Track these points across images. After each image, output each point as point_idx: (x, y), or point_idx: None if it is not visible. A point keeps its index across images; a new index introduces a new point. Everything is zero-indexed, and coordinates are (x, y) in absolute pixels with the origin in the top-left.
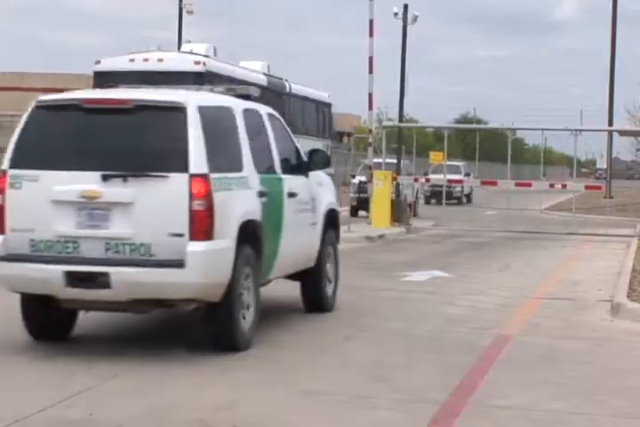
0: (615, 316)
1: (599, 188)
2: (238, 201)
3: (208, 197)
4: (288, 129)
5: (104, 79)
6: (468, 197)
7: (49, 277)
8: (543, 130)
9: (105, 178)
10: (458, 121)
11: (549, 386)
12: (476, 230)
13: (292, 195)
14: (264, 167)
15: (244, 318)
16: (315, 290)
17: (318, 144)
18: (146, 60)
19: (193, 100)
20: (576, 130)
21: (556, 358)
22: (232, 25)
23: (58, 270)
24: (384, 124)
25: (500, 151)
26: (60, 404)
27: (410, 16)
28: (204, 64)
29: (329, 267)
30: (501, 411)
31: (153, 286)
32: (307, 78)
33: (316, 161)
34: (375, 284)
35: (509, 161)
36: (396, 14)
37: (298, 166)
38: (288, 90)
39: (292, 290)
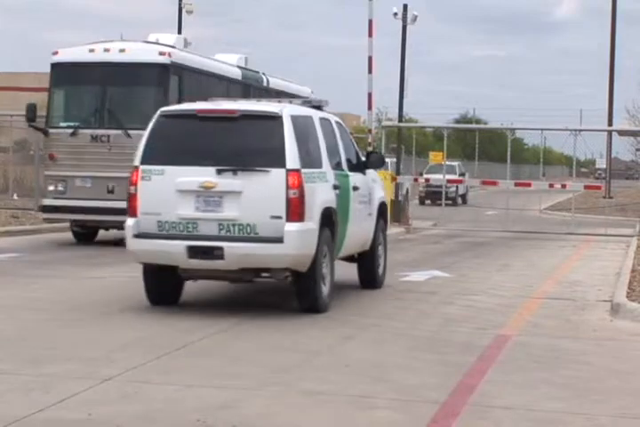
0: (615, 316)
1: (598, 188)
2: (320, 192)
3: (300, 188)
4: (349, 134)
5: (62, 71)
6: (464, 197)
7: (174, 250)
8: (542, 130)
9: (219, 172)
10: (457, 121)
11: (549, 386)
12: (476, 230)
13: (355, 188)
14: (335, 165)
15: (323, 285)
16: (369, 270)
17: None
18: (107, 50)
19: (286, 110)
20: (575, 130)
21: (555, 357)
22: (231, 25)
23: (181, 245)
24: (383, 124)
25: (500, 151)
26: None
27: (409, 16)
28: (170, 55)
29: (380, 250)
30: (501, 411)
31: (258, 258)
32: (306, 78)
33: (372, 161)
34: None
35: (509, 161)
36: (395, 14)
37: (358, 165)
38: (265, 84)
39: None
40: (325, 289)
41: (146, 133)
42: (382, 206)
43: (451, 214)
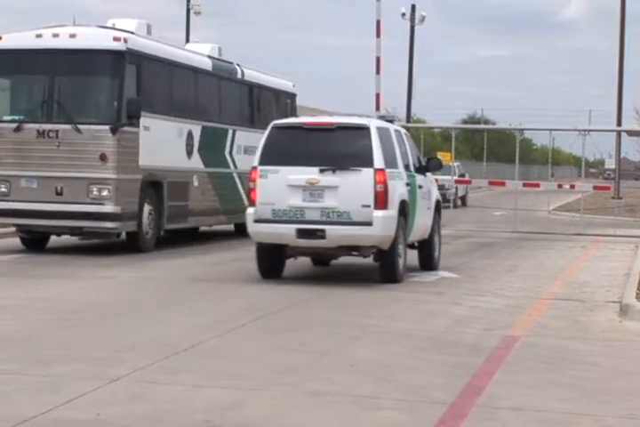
0: (624, 317)
1: (608, 188)
2: (397, 187)
3: (385, 183)
4: (412, 142)
5: (6, 58)
6: (463, 199)
7: (286, 232)
8: (551, 130)
9: (321, 171)
10: (465, 121)
11: (557, 387)
12: (484, 231)
13: (420, 186)
14: (405, 167)
15: (400, 262)
16: (428, 255)
17: None
18: (56, 35)
19: (372, 123)
20: (584, 130)
21: (563, 358)
22: (238, 25)
23: (292, 228)
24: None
25: (508, 151)
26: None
27: (417, 16)
28: (125, 41)
29: (436, 239)
30: (509, 412)
31: (352, 238)
32: (312, 78)
33: (432, 165)
34: (382, 284)
35: (517, 161)
36: (403, 15)
37: (420, 168)
38: (240, 76)
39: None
40: (401, 264)
41: (262, 141)
42: (438, 203)
43: (458, 215)
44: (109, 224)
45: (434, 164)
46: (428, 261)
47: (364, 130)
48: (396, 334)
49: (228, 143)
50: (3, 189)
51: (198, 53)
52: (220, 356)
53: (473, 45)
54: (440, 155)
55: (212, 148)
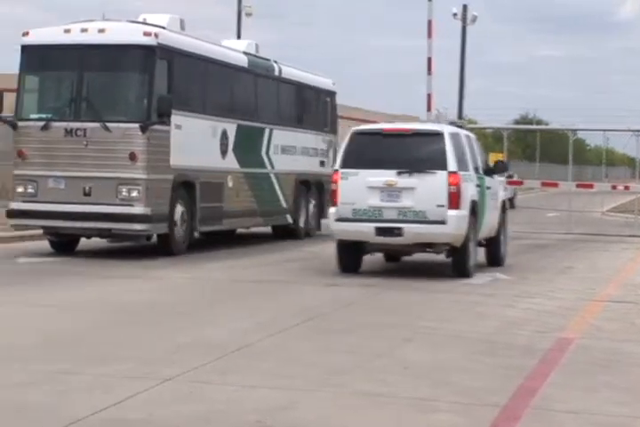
0: None
1: None
2: (469, 188)
3: (458, 185)
4: (480, 146)
5: (34, 55)
6: (511, 201)
7: (365, 230)
8: (604, 131)
9: (399, 173)
10: (517, 122)
11: (612, 390)
12: (537, 232)
13: (488, 188)
14: (475, 169)
15: (470, 258)
16: (495, 252)
17: (318, 140)
18: (84, 30)
19: (446, 129)
20: (638, 130)
21: (618, 361)
22: (290, 27)
23: (371, 226)
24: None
25: (561, 152)
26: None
27: (469, 16)
28: (156, 36)
29: (502, 237)
30: (563, 415)
31: (427, 235)
32: (361, 79)
33: (498, 168)
34: (434, 286)
35: (570, 162)
36: (455, 15)
37: (488, 170)
38: (277, 73)
39: None
40: (472, 260)
41: (343, 146)
42: (504, 203)
43: (511, 216)
44: (139, 226)
45: (500, 166)
46: (495, 258)
47: (438, 135)
48: (448, 335)
49: (265, 143)
50: (30, 190)
51: (234, 50)
52: (270, 357)
53: (525, 45)
54: (492, 155)
55: (247, 147)
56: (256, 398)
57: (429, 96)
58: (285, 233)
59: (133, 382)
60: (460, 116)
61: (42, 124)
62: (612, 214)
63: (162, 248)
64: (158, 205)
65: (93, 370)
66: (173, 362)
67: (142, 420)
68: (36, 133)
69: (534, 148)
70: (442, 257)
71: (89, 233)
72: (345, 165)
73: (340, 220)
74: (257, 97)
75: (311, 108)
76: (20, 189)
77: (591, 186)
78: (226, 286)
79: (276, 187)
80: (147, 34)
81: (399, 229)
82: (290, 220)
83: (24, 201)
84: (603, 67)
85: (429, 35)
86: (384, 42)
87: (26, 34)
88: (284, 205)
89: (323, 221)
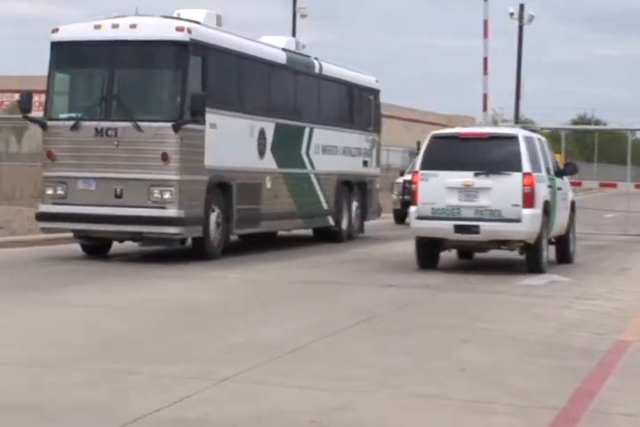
0: None
1: None
2: (541, 189)
3: (532, 185)
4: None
5: (63, 52)
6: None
7: (444, 228)
8: None
9: (476, 174)
10: (575, 122)
11: None
12: (595, 233)
13: (559, 188)
14: (547, 171)
15: (543, 255)
16: (564, 249)
17: (361, 139)
18: (115, 26)
19: (520, 132)
20: None
21: None
22: (344, 28)
23: (450, 224)
24: (500, 126)
25: (620, 153)
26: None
27: (526, 16)
28: (189, 31)
29: (571, 236)
30: (622, 418)
31: (502, 233)
32: (414, 79)
33: (569, 169)
34: (491, 287)
35: (629, 162)
36: (511, 14)
37: (558, 172)
38: (318, 70)
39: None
40: (544, 257)
41: (423, 149)
42: (573, 203)
43: None
44: (172, 229)
45: (571, 168)
46: (564, 255)
47: (513, 139)
48: (505, 337)
49: (305, 142)
50: (59, 192)
51: (272, 46)
52: (325, 358)
53: (582, 45)
54: None
55: (286, 147)
56: (310, 399)
57: (485, 96)
58: (327, 236)
59: (189, 382)
60: (517, 116)
61: (71, 123)
62: None
63: (196, 252)
64: (192, 208)
65: (150, 370)
66: (228, 363)
67: (198, 419)
68: (65, 133)
69: (592, 148)
70: (515, 254)
71: (120, 237)
72: (424, 166)
73: (419, 218)
74: (296, 95)
75: (353, 106)
76: (49, 191)
77: None
78: (278, 286)
79: (317, 188)
80: (179, 29)
81: (476, 226)
82: (331, 222)
83: (54, 203)
84: None
85: (485, 35)
86: (437, 41)
87: (55, 30)
88: (324, 206)
89: (366, 223)
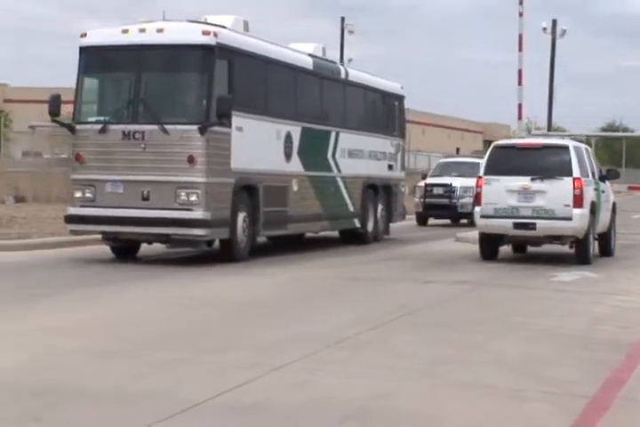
0: None
1: None
2: (589, 192)
3: (581, 188)
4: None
5: (91, 56)
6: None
7: (505, 225)
8: None
9: (532, 179)
10: (604, 129)
11: None
12: (624, 233)
13: (603, 191)
14: (592, 175)
15: (590, 248)
16: (607, 244)
17: (386, 143)
18: (142, 30)
19: (571, 143)
20: None
21: None
22: (388, 42)
23: (510, 222)
24: (533, 133)
25: None
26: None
27: (558, 30)
28: (215, 35)
29: (612, 233)
30: None
31: (556, 229)
32: (455, 90)
33: (610, 174)
34: (525, 283)
35: None
36: (544, 29)
37: (601, 177)
38: (344, 76)
39: None
40: (591, 250)
41: (486, 156)
42: (614, 205)
43: None
44: (198, 231)
45: (612, 174)
46: (606, 250)
47: (564, 148)
48: (540, 330)
49: (331, 146)
50: (88, 195)
51: (299, 51)
52: (371, 348)
53: (611, 57)
54: None
55: (313, 150)
56: (358, 387)
57: (520, 106)
58: (353, 237)
59: (246, 370)
60: (550, 124)
61: (99, 127)
62: None
63: (224, 254)
64: (219, 210)
65: (210, 359)
66: (282, 352)
67: (255, 405)
68: (93, 137)
69: (620, 154)
70: (566, 248)
71: (147, 238)
72: (487, 172)
73: (483, 217)
74: (322, 99)
75: (379, 111)
76: (77, 194)
77: None
78: (331, 282)
79: (343, 190)
80: (206, 33)
81: (533, 224)
82: (357, 224)
83: (82, 206)
84: None
85: (520, 48)
86: (477, 55)
87: (84, 35)
88: (351, 208)
89: (392, 225)
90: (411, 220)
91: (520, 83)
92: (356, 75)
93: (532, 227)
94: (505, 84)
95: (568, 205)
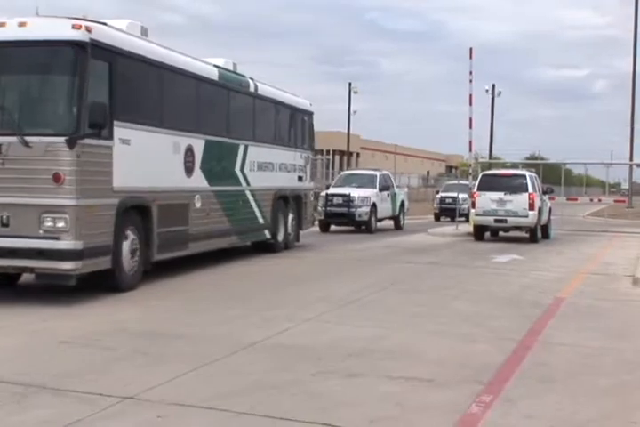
0: (635, 285)
1: (624, 201)
2: (537, 201)
3: (533, 199)
4: (537, 179)
5: None
6: None
7: (489, 220)
8: (585, 164)
9: (505, 193)
10: (527, 158)
11: (591, 331)
12: (563, 228)
13: (544, 200)
14: (539, 191)
15: (538, 234)
16: (545, 231)
17: (296, 156)
18: (1, 24)
19: (527, 173)
20: (608, 163)
21: (595, 312)
22: (382, 98)
23: (491, 218)
24: (479, 161)
25: (556, 178)
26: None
27: (496, 91)
28: (89, 30)
29: (549, 225)
30: (559, 347)
31: (519, 222)
32: (430, 132)
33: (548, 190)
34: (474, 263)
35: (562, 184)
36: (487, 90)
37: (543, 192)
38: (253, 90)
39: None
40: (538, 235)
41: (478, 180)
42: (550, 209)
43: None
44: (66, 265)
45: (549, 190)
46: (546, 235)
47: (523, 176)
48: (484, 294)
49: (239, 159)
50: None
51: (202, 61)
52: (372, 307)
53: (531, 108)
54: None
55: (218, 164)
56: (362, 333)
57: (470, 142)
58: (264, 247)
59: (285, 321)
60: (490, 154)
61: None
62: (590, 217)
63: (106, 283)
64: (94, 237)
65: (258, 314)
66: (309, 309)
67: (291, 345)
68: None
69: (539, 175)
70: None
71: (8, 271)
72: (479, 189)
73: (477, 215)
74: (230, 112)
75: (289, 125)
76: None
77: (576, 199)
78: (344, 262)
79: (252, 203)
80: (76, 27)
81: (505, 219)
82: (268, 235)
83: None
84: (579, 120)
85: (470, 103)
86: (442, 107)
87: None
88: (261, 221)
89: (301, 233)
90: (315, 227)
91: (470, 126)
92: (265, 89)
93: (504, 221)
94: (460, 127)
95: (526, 209)
